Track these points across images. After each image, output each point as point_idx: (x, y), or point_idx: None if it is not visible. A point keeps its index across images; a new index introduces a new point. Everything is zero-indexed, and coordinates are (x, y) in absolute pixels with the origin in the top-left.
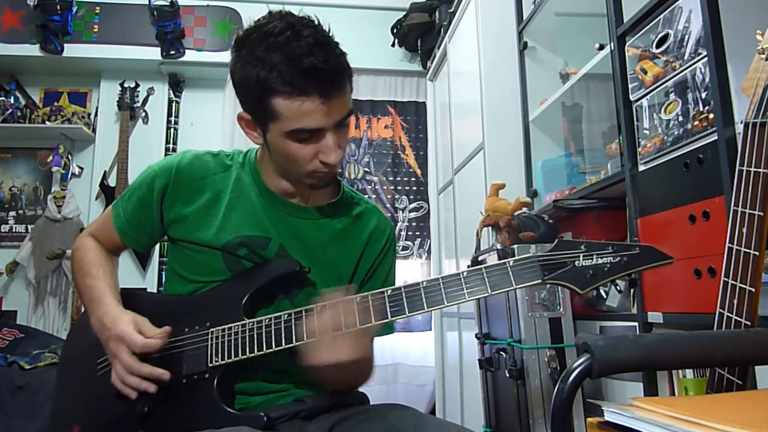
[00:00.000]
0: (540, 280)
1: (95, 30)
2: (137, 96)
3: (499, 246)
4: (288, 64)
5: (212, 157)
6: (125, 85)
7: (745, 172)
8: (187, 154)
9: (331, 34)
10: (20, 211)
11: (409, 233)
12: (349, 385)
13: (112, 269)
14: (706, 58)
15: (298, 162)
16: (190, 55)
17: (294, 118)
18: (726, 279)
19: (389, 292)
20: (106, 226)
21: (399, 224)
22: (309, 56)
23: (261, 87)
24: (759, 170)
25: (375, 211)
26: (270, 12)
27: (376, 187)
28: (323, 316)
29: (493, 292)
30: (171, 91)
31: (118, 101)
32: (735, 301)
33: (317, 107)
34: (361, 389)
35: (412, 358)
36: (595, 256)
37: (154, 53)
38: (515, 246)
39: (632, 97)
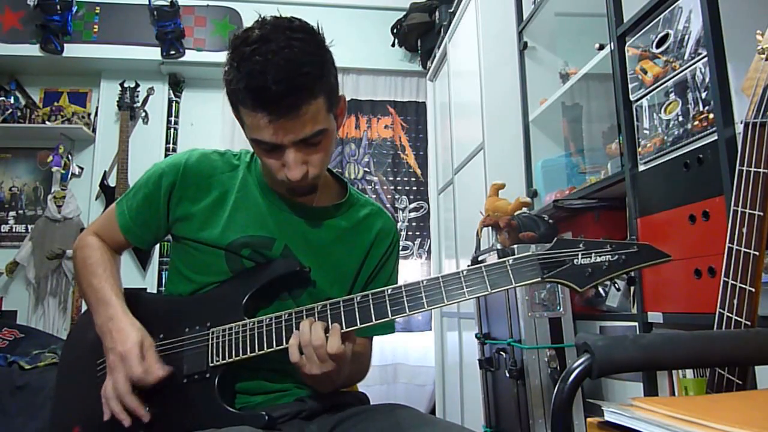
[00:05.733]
0: (539, 279)
1: (95, 30)
2: (137, 96)
3: (499, 246)
4: (243, 80)
5: (219, 156)
6: (125, 85)
7: (745, 172)
8: (195, 152)
9: (306, 44)
10: (20, 211)
11: (409, 233)
12: (341, 385)
13: (116, 270)
14: (706, 58)
15: (269, 169)
16: (190, 55)
17: (252, 129)
18: (726, 279)
19: (389, 291)
20: (110, 223)
21: (399, 224)
22: (261, 75)
23: (231, 93)
24: (759, 170)
25: (381, 213)
26: (259, 16)
27: (376, 187)
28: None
29: (493, 291)
30: (171, 91)
31: (118, 101)
32: (735, 301)
33: (266, 124)
34: (361, 389)
35: (412, 358)
36: (593, 254)
37: (154, 53)
38: (515, 246)
39: (632, 97)
